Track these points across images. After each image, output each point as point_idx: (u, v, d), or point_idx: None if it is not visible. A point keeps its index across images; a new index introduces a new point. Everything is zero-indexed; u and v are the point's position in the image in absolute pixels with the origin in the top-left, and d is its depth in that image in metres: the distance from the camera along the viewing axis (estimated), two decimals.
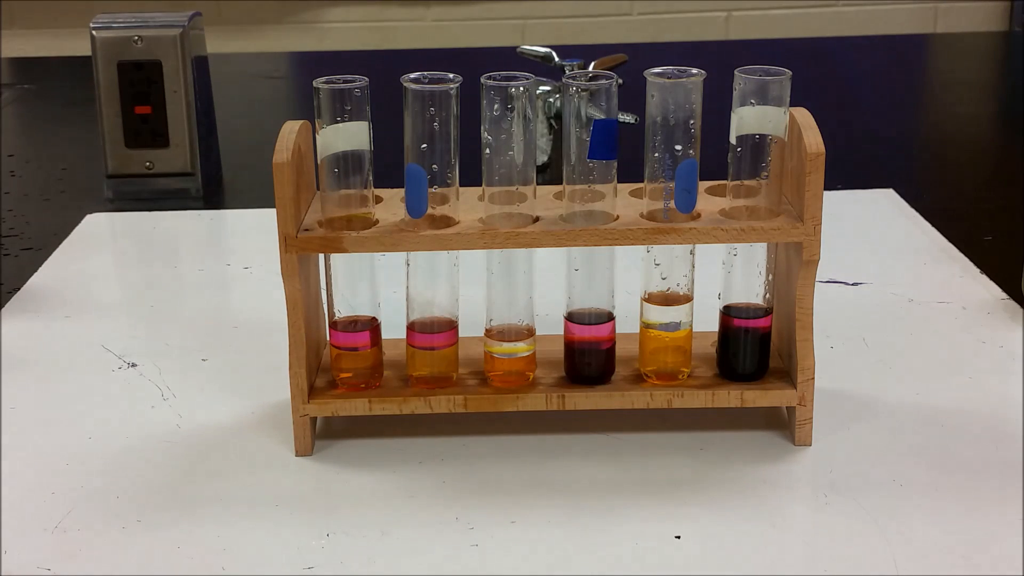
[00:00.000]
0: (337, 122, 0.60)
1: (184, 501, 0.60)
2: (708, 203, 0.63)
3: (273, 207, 0.60)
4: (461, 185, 0.62)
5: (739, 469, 0.62)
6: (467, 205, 0.62)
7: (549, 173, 1.08)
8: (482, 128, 0.60)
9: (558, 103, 1.08)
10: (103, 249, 0.96)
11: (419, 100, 0.59)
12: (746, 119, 0.61)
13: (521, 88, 0.59)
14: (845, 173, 1.08)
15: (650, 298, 0.64)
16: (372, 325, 0.64)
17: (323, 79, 0.60)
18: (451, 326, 0.64)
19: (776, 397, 0.63)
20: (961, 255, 0.88)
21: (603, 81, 0.59)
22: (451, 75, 0.59)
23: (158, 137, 1.05)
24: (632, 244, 0.61)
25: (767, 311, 0.64)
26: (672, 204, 0.61)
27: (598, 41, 2.09)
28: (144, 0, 1.54)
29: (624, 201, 0.63)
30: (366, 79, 0.60)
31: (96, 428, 0.67)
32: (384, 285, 0.65)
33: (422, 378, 0.64)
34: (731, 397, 0.63)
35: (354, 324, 0.64)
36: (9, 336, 0.78)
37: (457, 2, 2.22)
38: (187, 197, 1.06)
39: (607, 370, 0.65)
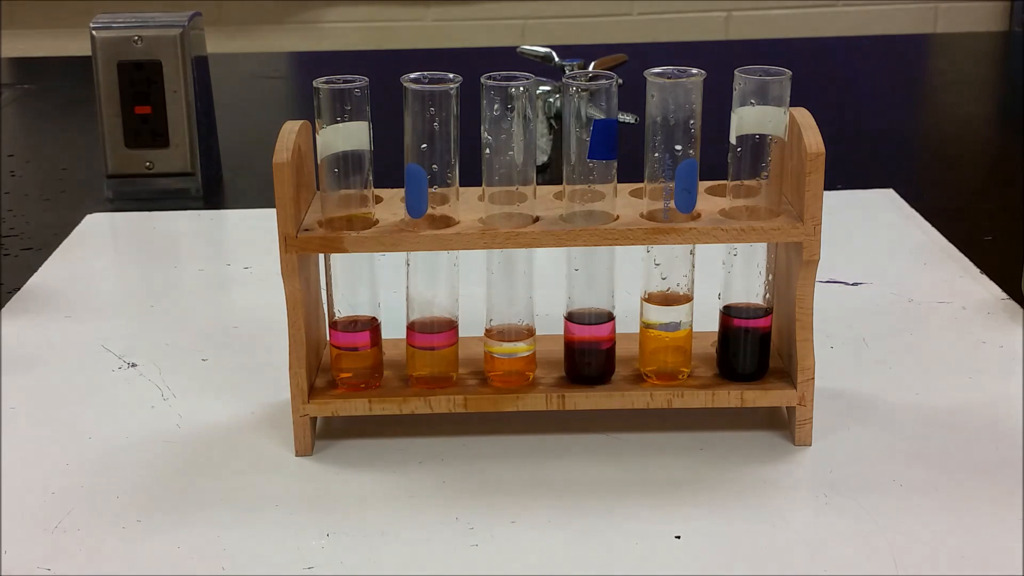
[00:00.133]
0: (337, 122, 0.60)
1: (184, 501, 0.60)
2: (708, 203, 0.63)
3: (273, 207, 0.60)
4: (461, 185, 0.62)
5: (739, 469, 0.62)
6: (467, 205, 0.62)
7: (549, 173, 1.08)
8: (482, 128, 0.60)
9: (558, 103, 1.08)
10: (103, 249, 0.96)
11: (419, 100, 0.59)
12: (746, 119, 0.61)
13: (521, 88, 0.59)
14: (845, 173, 1.08)
15: (650, 298, 0.64)
16: (372, 325, 0.64)
17: (323, 79, 0.60)
18: (451, 326, 0.64)
19: (776, 397, 0.63)
20: (961, 255, 0.88)
21: (603, 81, 0.59)
22: (451, 75, 0.59)
23: (158, 137, 1.05)
24: (632, 244, 0.61)
25: (767, 311, 0.64)
26: (672, 204, 0.61)
27: (598, 41, 2.09)
28: (144, 0, 1.54)
29: (624, 201, 0.63)
30: (366, 79, 0.60)
31: (96, 428, 0.67)
32: (384, 285, 0.65)
33: (422, 378, 0.64)
34: (731, 397, 0.63)
35: (354, 324, 0.64)
36: (9, 336, 0.78)
37: (457, 2, 2.22)
38: (187, 197, 1.06)
39: (607, 370, 0.65)
